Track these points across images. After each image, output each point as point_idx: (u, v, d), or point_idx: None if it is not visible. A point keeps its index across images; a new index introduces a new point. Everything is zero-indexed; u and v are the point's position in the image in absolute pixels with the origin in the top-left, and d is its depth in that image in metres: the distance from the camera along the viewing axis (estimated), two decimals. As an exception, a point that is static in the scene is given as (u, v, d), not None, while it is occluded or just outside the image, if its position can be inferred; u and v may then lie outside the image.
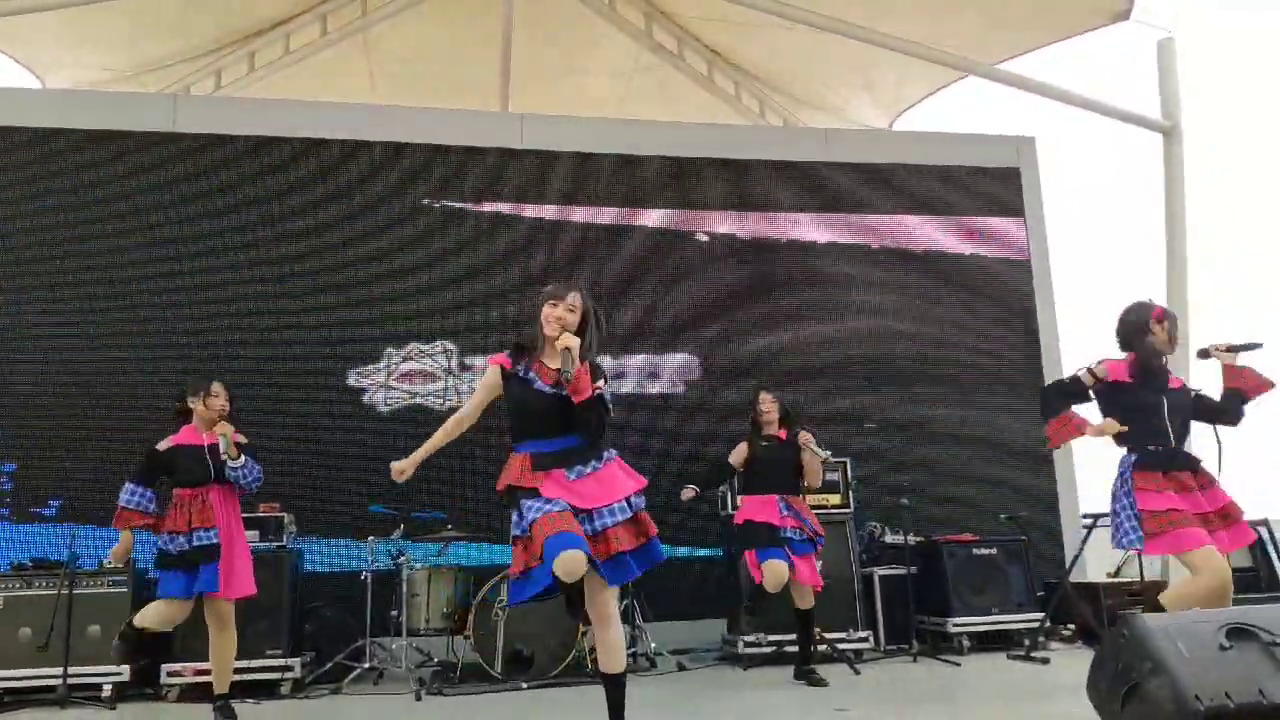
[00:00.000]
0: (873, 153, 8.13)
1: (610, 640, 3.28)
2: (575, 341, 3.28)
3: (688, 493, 5.20)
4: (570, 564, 2.98)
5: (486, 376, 3.49)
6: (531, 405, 3.34)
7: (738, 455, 5.31)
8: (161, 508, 4.48)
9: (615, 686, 3.31)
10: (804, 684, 5.04)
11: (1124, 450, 4.05)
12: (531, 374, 3.38)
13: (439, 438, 3.55)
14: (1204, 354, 4.18)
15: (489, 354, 6.42)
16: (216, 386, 4.54)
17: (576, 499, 3.19)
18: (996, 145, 8.35)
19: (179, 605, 4.33)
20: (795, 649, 5.41)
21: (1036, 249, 8.12)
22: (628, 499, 3.27)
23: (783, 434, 5.27)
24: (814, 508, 6.03)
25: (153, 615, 4.34)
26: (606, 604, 3.26)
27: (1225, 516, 3.92)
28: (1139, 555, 4.35)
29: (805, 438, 5.12)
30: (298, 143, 7.14)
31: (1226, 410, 4.10)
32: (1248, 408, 4.09)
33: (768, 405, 5.31)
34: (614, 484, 3.29)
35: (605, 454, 3.35)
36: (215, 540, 4.34)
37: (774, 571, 4.94)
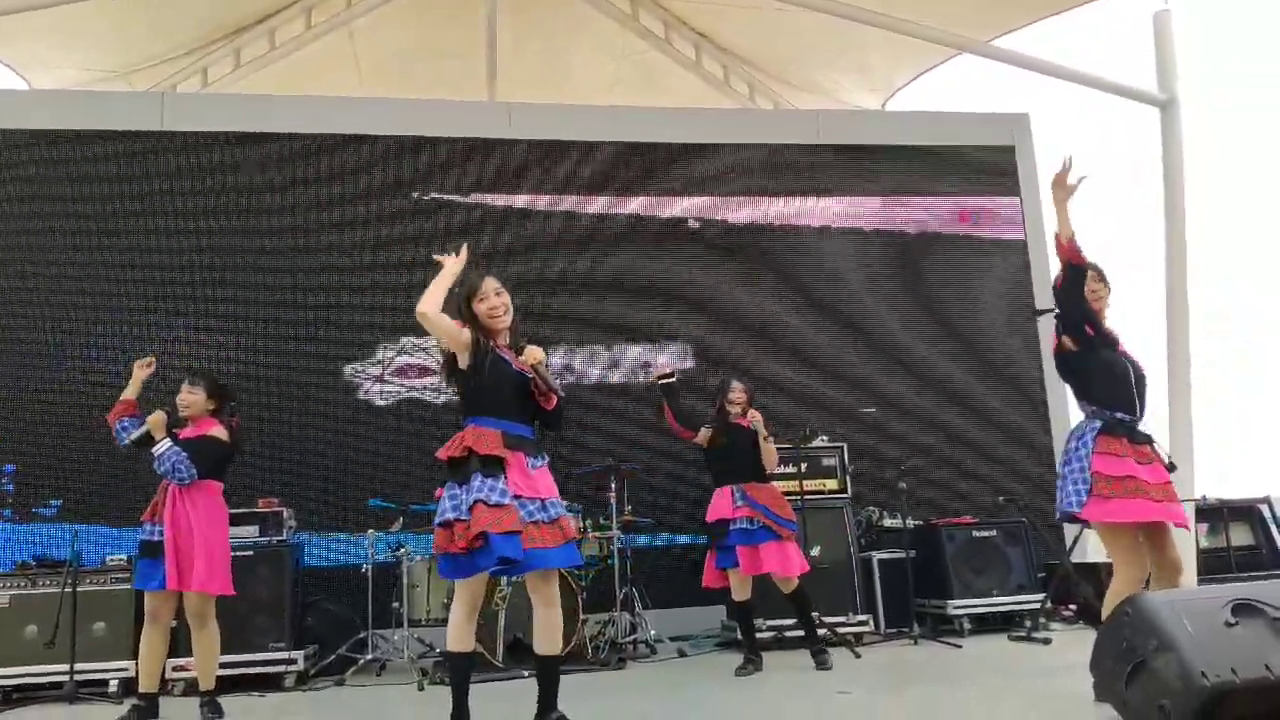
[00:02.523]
0: (864, 134, 8.10)
1: (550, 622, 3.38)
2: (542, 356, 3.39)
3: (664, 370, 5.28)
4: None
5: (464, 330, 3.39)
6: (508, 385, 3.39)
7: (703, 437, 5.33)
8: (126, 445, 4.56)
9: (549, 668, 3.39)
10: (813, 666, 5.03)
11: (1084, 416, 3.86)
12: (506, 355, 3.43)
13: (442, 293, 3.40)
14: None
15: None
16: (183, 386, 4.62)
17: (527, 488, 3.29)
18: (990, 124, 8.31)
19: (153, 599, 4.38)
20: (794, 633, 5.50)
21: (1032, 228, 8.08)
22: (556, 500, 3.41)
23: (744, 421, 5.25)
24: (811, 493, 5.99)
25: (143, 634, 4.40)
26: (551, 587, 3.37)
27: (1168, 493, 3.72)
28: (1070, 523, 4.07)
29: (754, 415, 5.17)
30: (286, 138, 7.12)
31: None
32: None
33: (737, 393, 5.29)
34: (550, 482, 3.42)
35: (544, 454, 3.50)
36: (159, 537, 4.33)
37: (734, 582, 5.11)
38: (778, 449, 5.43)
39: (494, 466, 3.24)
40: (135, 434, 4.47)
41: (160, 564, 4.31)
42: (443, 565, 3.37)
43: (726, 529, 5.07)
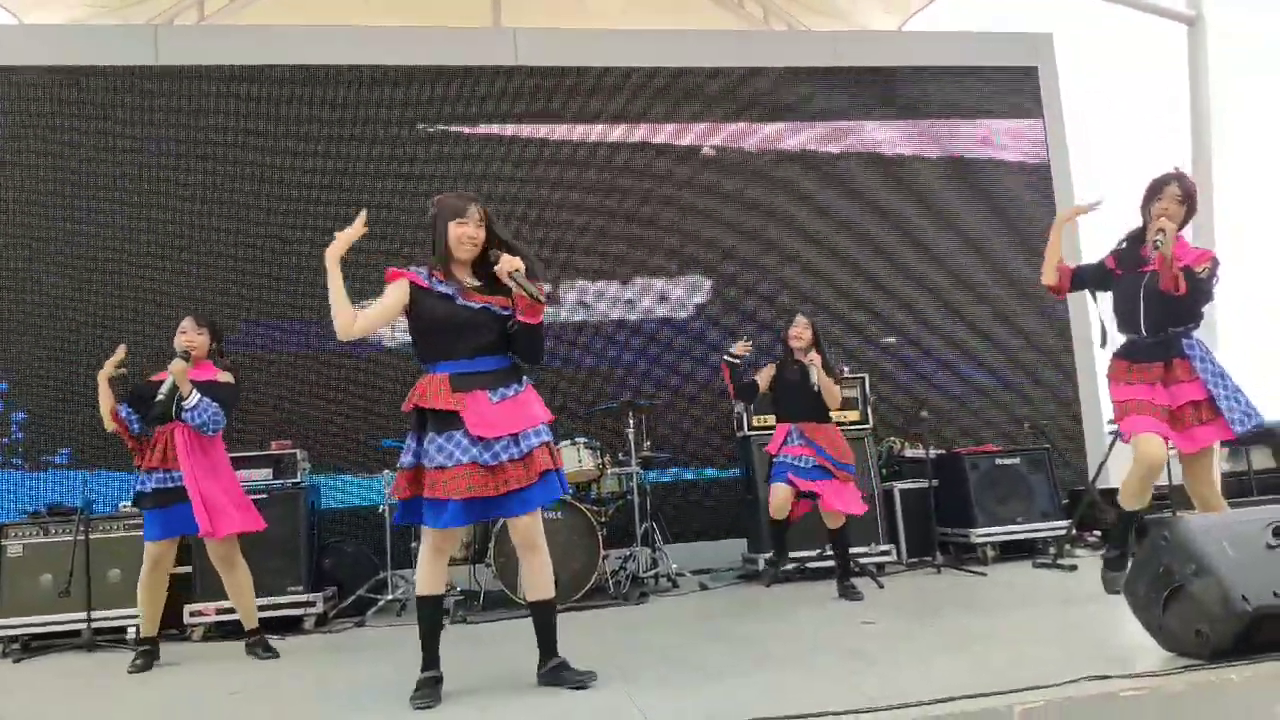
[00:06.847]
0: (883, 56, 7.83)
1: (536, 567, 3.24)
2: (519, 264, 3.15)
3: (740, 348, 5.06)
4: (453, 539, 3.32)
5: (395, 291, 3.28)
6: (453, 322, 3.21)
7: (764, 377, 5.20)
8: (143, 431, 4.44)
9: (543, 613, 3.25)
10: (843, 600, 4.95)
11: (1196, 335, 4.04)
12: (450, 289, 3.22)
13: (341, 299, 3.32)
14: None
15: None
16: (185, 323, 4.43)
17: (488, 427, 3.10)
18: (1012, 44, 8.03)
19: (159, 547, 4.33)
20: (817, 564, 5.53)
21: (1055, 151, 7.86)
22: (537, 428, 3.21)
23: (806, 359, 5.07)
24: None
25: (147, 580, 4.37)
26: (528, 532, 3.21)
27: (1195, 409, 3.86)
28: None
29: (813, 357, 4.99)
30: (286, 70, 6.90)
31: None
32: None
33: (800, 329, 5.14)
34: (529, 411, 3.21)
35: (525, 379, 3.30)
36: (174, 484, 4.26)
37: (773, 496, 5.01)
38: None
39: (445, 422, 3.11)
40: (161, 394, 4.25)
41: (179, 511, 4.25)
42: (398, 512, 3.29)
43: (773, 462, 5.05)
